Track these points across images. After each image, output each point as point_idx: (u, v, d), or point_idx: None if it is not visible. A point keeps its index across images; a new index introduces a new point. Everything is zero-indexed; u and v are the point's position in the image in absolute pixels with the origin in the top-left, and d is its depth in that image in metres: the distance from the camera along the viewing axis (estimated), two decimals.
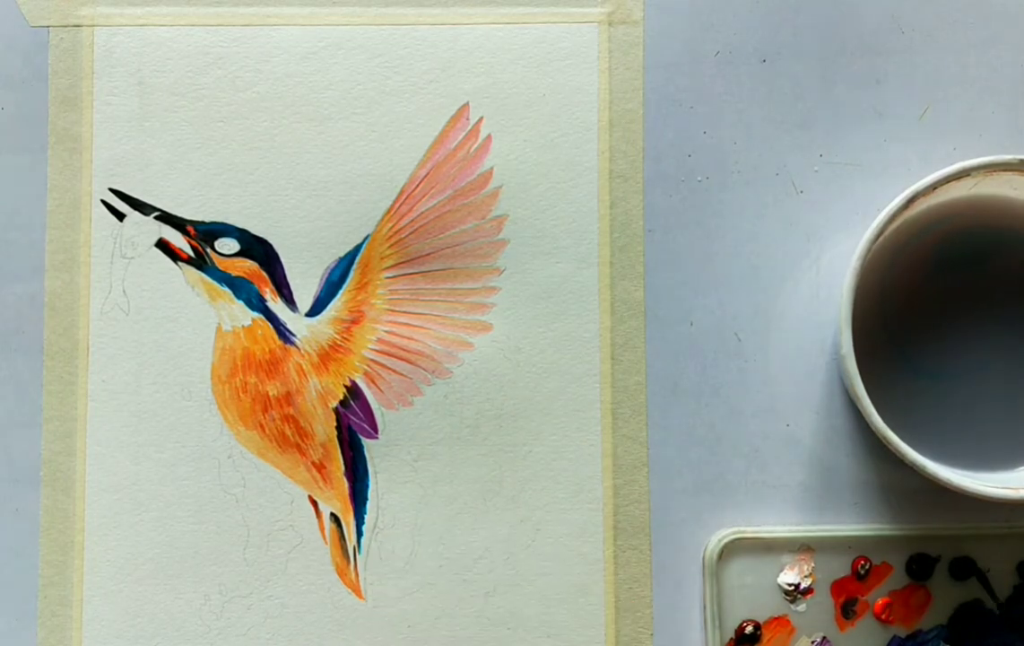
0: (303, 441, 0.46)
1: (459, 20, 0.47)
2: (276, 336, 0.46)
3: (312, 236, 0.46)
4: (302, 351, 0.46)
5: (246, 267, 0.46)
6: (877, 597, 0.45)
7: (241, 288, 0.46)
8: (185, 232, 0.46)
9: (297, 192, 0.46)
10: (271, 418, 0.46)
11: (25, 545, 0.45)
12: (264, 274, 0.46)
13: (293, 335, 0.46)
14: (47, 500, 0.45)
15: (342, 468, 0.46)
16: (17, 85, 0.46)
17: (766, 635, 0.45)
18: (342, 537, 0.45)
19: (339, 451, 0.46)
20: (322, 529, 0.45)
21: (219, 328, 0.46)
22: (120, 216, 0.46)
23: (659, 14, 0.47)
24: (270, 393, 0.46)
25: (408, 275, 0.46)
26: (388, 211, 0.46)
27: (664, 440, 0.46)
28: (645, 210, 0.46)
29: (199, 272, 0.46)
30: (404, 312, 0.46)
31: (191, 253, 0.46)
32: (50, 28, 0.46)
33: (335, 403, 0.46)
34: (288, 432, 0.46)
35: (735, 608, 0.44)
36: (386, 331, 0.46)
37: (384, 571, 0.45)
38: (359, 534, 0.45)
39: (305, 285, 0.46)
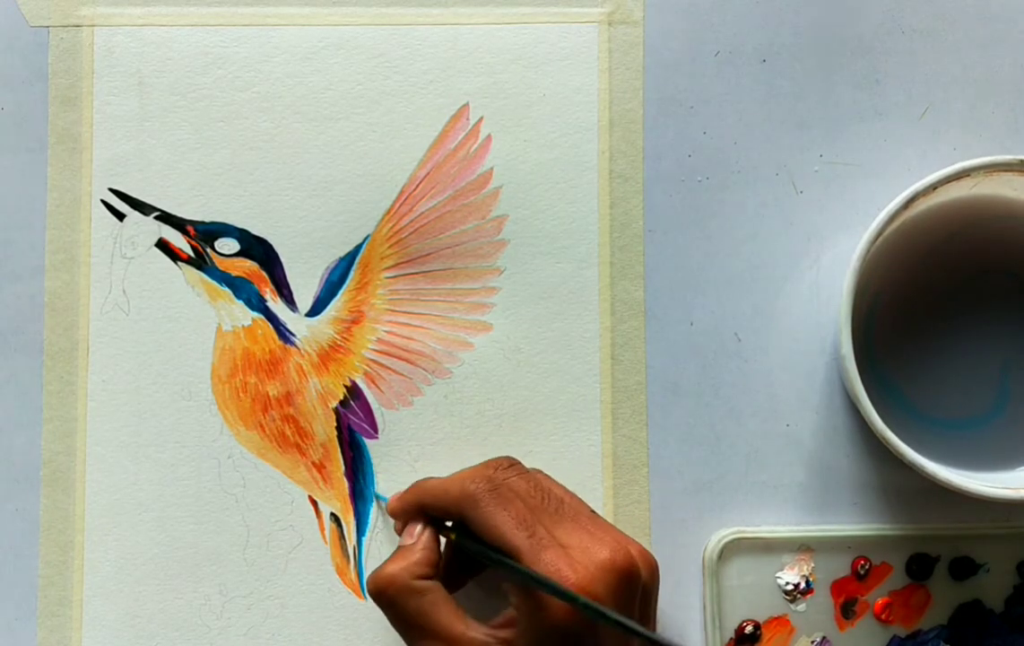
0: (303, 441, 0.46)
1: (459, 20, 0.47)
2: (276, 336, 0.46)
3: (312, 236, 0.46)
4: (302, 351, 0.46)
5: (246, 267, 0.46)
6: (877, 597, 0.45)
7: (241, 288, 0.46)
8: (185, 232, 0.46)
9: (297, 192, 0.46)
10: (271, 418, 0.46)
11: (25, 545, 0.45)
12: (264, 274, 0.46)
13: (293, 335, 0.46)
14: (47, 500, 0.45)
15: (342, 468, 0.46)
16: (17, 85, 0.46)
17: (766, 635, 0.45)
18: (342, 537, 0.45)
19: (339, 451, 0.46)
20: (322, 529, 0.45)
21: (219, 328, 0.46)
22: (120, 216, 0.46)
23: (659, 14, 0.47)
24: (270, 393, 0.46)
25: (408, 275, 0.46)
26: (388, 211, 0.46)
27: (664, 440, 0.46)
28: (645, 210, 0.46)
29: (199, 272, 0.46)
30: (404, 312, 0.46)
31: (191, 253, 0.46)
32: (50, 28, 0.46)
33: (335, 403, 0.46)
34: (288, 432, 0.46)
35: (735, 608, 0.44)
36: (386, 331, 0.46)
37: None
38: (359, 534, 0.45)
39: (305, 285, 0.46)
